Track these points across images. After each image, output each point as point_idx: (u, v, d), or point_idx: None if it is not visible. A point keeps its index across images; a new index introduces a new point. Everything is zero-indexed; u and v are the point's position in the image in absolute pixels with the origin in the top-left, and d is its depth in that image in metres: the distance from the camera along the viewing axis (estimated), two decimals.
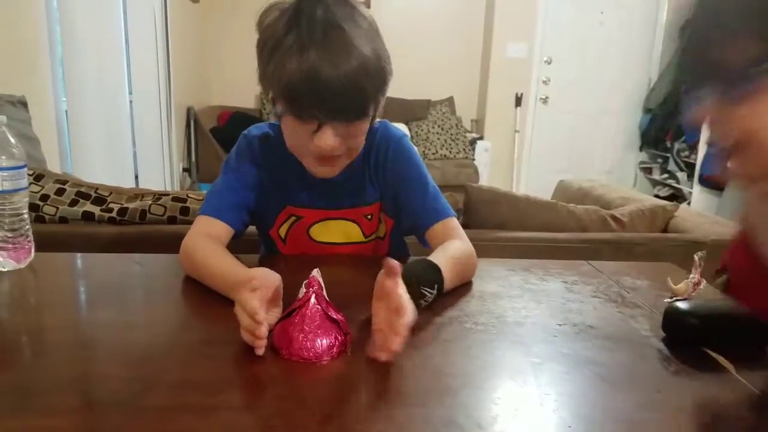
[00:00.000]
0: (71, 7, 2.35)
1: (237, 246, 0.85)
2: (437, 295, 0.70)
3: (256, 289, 0.57)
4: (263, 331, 0.54)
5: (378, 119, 0.83)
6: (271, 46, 0.73)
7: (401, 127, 1.09)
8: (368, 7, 2.66)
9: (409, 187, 0.89)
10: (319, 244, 0.92)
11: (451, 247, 0.80)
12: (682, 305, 0.65)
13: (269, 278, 0.63)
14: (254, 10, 0.80)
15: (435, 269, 0.71)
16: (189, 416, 0.46)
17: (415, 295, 0.62)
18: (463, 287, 0.81)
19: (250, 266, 0.68)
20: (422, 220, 0.87)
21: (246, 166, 0.88)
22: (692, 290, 0.76)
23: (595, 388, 0.54)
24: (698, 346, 0.63)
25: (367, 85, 0.73)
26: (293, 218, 0.91)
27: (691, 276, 0.76)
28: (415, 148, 0.94)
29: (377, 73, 0.74)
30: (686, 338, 0.64)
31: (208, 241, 0.80)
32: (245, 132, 0.91)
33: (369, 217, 0.91)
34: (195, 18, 4.40)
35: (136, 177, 3.31)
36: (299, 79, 0.70)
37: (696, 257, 0.75)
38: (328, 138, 0.74)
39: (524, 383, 0.54)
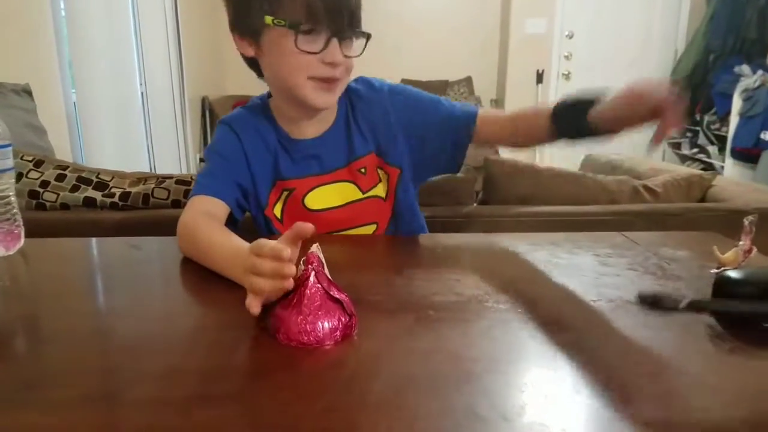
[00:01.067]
0: None
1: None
2: None
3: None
4: (292, 268, 0.49)
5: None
6: None
7: None
8: None
9: (429, 114, 0.88)
10: (316, 213, 0.88)
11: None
12: (734, 274, 0.57)
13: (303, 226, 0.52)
14: None
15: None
16: (177, 409, 0.40)
17: None
18: (481, 263, 0.74)
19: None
20: (464, 120, 0.87)
21: (229, 148, 0.86)
22: (742, 259, 0.67)
23: (638, 371, 0.47)
24: (755, 320, 0.55)
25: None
26: (285, 193, 0.88)
27: (740, 243, 0.68)
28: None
29: None
30: (741, 311, 0.56)
31: (207, 219, 0.76)
32: (221, 119, 0.90)
33: (363, 170, 0.88)
34: (206, 5, 4.35)
35: (152, 169, 3.31)
36: None
37: (746, 221, 0.67)
38: (336, 51, 0.77)
39: (555, 367, 0.47)
